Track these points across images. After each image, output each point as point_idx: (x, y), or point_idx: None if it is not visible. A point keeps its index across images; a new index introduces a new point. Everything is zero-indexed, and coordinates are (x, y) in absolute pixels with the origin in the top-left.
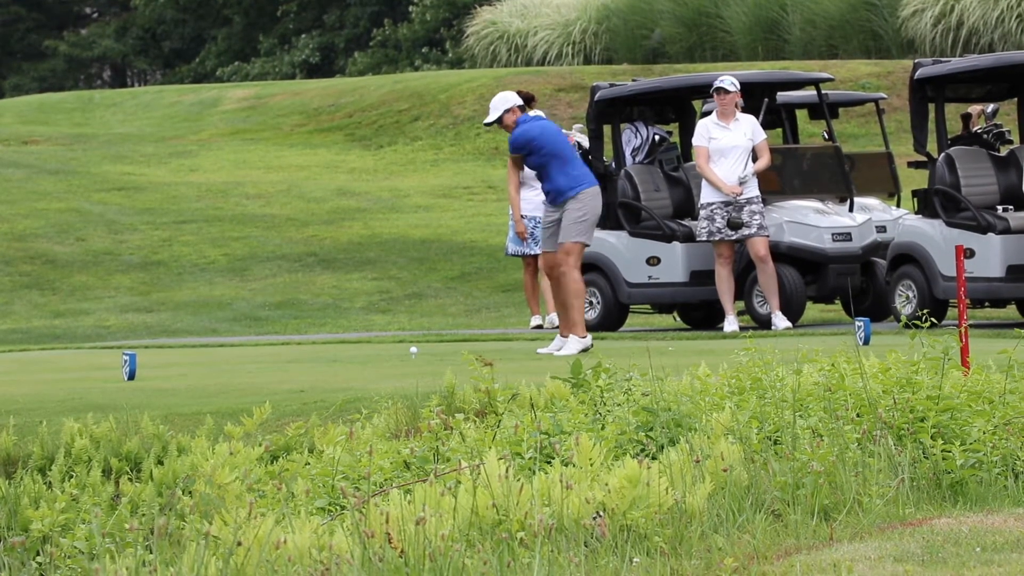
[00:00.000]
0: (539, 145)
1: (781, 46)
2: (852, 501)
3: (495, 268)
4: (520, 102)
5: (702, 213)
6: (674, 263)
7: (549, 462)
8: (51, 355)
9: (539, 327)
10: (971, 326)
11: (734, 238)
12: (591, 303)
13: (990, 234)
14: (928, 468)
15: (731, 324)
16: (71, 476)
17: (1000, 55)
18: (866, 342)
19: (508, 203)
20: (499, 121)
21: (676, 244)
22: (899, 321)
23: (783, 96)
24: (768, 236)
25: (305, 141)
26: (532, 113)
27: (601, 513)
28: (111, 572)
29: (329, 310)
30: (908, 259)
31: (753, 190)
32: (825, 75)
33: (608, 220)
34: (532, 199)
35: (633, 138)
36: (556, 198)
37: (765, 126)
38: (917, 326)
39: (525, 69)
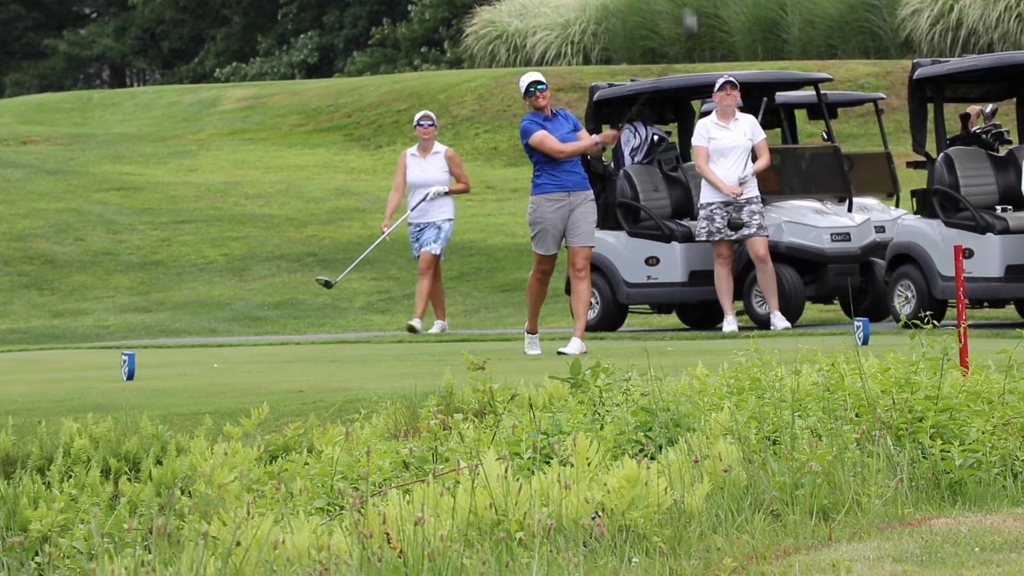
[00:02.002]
0: None
1: (780, 46)
2: (851, 501)
3: (494, 268)
4: None
5: (701, 213)
6: (673, 263)
7: (548, 462)
8: (50, 355)
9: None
10: (970, 326)
11: (734, 238)
12: (590, 303)
13: (989, 234)
14: (927, 468)
15: (730, 324)
16: (70, 476)
17: (999, 55)
18: (865, 342)
19: (505, 203)
20: (540, 92)
21: (675, 244)
22: (898, 321)
23: (782, 96)
24: (767, 236)
25: (304, 141)
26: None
27: (600, 513)
28: (110, 572)
29: (328, 310)
30: (907, 259)
31: (753, 190)
32: (824, 75)
33: (607, 220)
34: (420, 206)
35: (632, 138)
36: (581, 185)
37: (764, 126)
38: (917, 326)
39: (524, 69)
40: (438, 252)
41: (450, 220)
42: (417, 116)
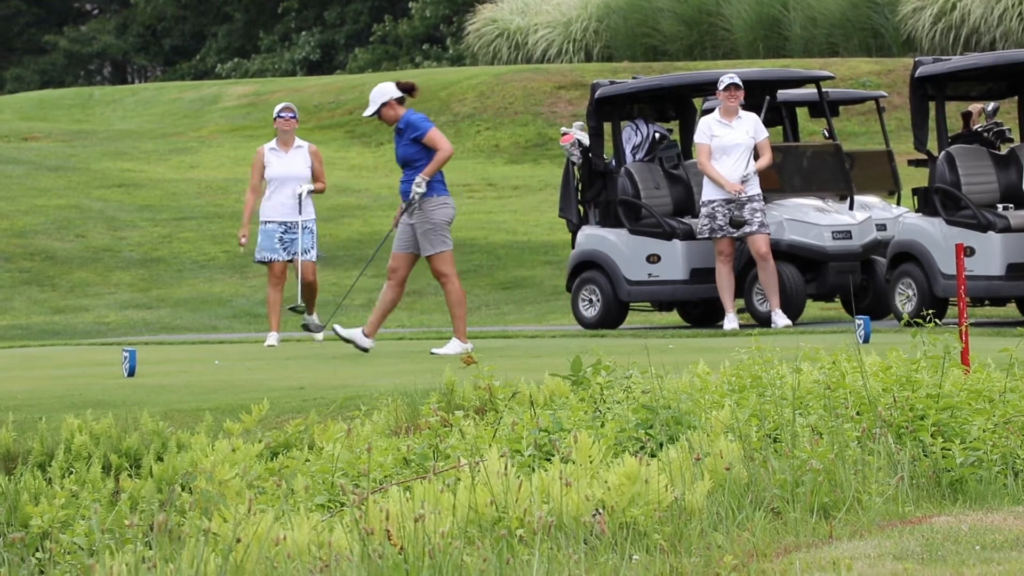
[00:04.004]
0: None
1: (782, 44)
2: (852, 499)
3: (494, 265)
4: (399, 94)
5: (703, 211)
6: (674, 261)
7: (549, 459)
8: (51, 351)
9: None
10: (971, 324)
11: (735, 236)
12: (590, 300)
13: (990, 232)
14: (928, 466)
15: (731, 322)
16: (71, 472)
17: (1001, 53)
18: (866, 340)
19: (506, 200)
20: (378, 114)
21: (676, 242)
22: (899, 319)
23: (783, 94)
24: (769, 234)
25: (305, 138)
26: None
27: (600, 510)
28: (110, 568)
29: (329, 307)
30: (908, 257)
31: (754, 188)
32: (825, 73)
33: (608, 218)
34: (284, 203)
35: (633, 136)
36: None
37: (765, 124)
38: (918, 324)
39: (525, 67)
40: (318, 256)
41: (315, 220)
42: (277, 108)
